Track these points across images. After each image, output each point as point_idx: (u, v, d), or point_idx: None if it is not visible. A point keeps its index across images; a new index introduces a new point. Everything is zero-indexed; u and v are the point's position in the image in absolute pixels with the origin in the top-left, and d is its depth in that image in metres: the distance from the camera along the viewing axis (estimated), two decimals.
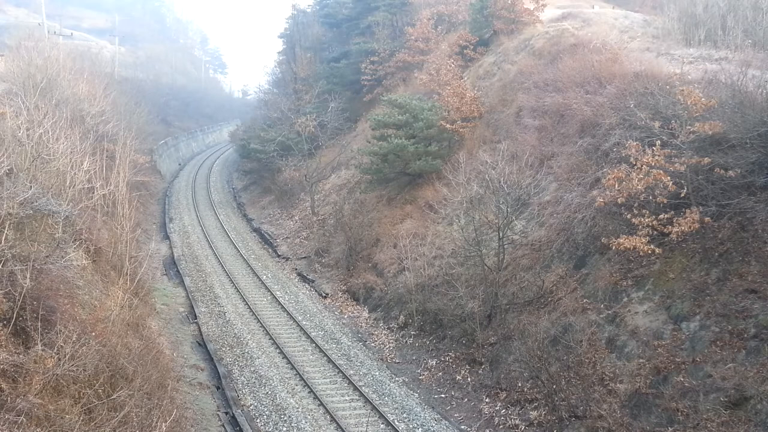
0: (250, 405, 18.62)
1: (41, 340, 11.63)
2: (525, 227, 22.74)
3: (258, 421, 17.74)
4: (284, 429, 17.35)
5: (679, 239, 16.69)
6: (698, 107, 17.27)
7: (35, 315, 12.10)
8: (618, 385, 15.56)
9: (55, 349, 11.59)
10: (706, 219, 16.41)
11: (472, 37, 38.06)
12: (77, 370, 11.70)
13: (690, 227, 16.32)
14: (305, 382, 19.84)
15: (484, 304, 20.98)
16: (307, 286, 30.86)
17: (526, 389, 17.81)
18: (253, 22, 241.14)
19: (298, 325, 24.96)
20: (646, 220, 17.07)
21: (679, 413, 13.86)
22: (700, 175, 17.18)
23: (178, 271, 32.03)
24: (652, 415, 14.43)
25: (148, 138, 54.03)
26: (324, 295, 29.26)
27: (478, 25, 38.60)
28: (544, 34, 34.14)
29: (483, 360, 19.94)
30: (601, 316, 17.50)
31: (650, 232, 17.00)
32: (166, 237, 38.92)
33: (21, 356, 11.23)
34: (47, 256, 14.71)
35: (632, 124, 20.22)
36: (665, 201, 17.03)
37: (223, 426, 17.09)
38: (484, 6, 37.75)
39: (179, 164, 68.85)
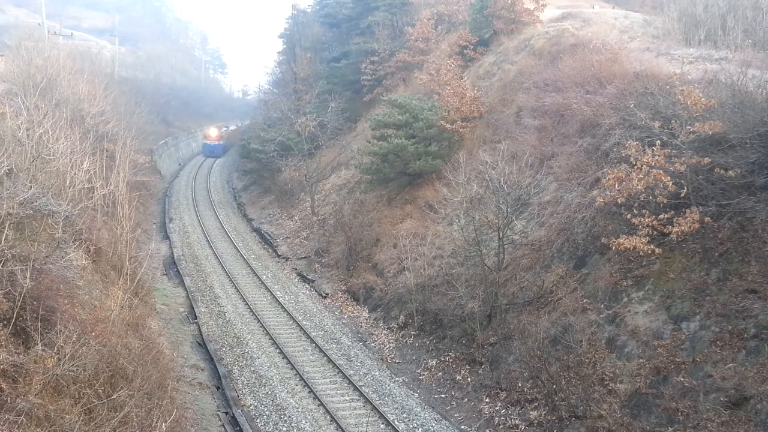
0: (250, 405, 18.62)
1: (41, 340, 11.63)
2: (525, 227, 22.73)
3: (258, 421, 17.75)
4: (284, 429, 17.36)
5: (679, 239, 16.69)
6: (698, 107, 17.26)
7: (35, 315, 12.10)
8: (618, 385, 15.56)
9: (55, 349, 11.59)
10: (706, 219, 16.41)
11: (472, 37, 38.05)
12: (77, 370, 11.70)
13: (690, 227, 16.31)
14: (305, 382, 19.84)
15: (484, 304, 20.97)
16: (307, 286, 30.86)
17: (526, 389, 17.81)
18: (253, 22, 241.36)
19: (298, 325, 24.96)
20: (646, 220, 17.06)
21: (679, 413, 13.86)
22: (700, 175, 17.17)
23: (178, 271, 32.02)
24: (652, 415, 14.43)
25: (148, 138, 53.99)
26: (324, 295, 29.26)
27: (478, 25, 38.60)
28: (544, 34, 34.14)
29: (483, 360, 19.94)
30: (601, 316, 17.50)
31: (650, 232, 17.00)
32: (166, 237, 38.91)
33: (21, 356, 11.22)
34: (47, 256, 14.71)
35: (632, 124, 20.22)
36: (665, 201, 17.02)
37: (223, 426, 17.09)
38: (484, 6, 37.75)
39: (179, 164, 68.81)
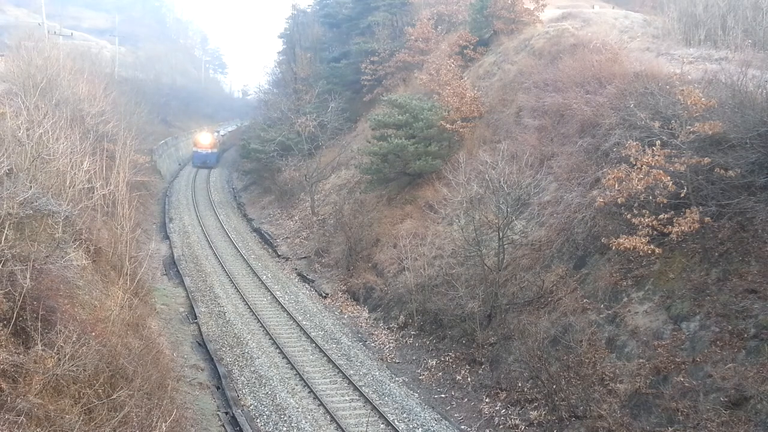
0: (250, 405, 18.62)
1: (41, 340, 11.62)
2: (525, 227, 22.73)
3: (258, 421, 17.74)
4: (284, 429, 17.35)
5: (679, 239, 16.68)
6: (698, 107, 17.26)
7: (35, 315, 12.10)
8: (618, 385, 15.56)
9: (55, 349, 11.58)
10: (706, 219, 16.41)
11: (472, 37, 38.07)
12: (77, 370, 11.70)
13: (690, 227, 16.31)
14: (305, 382, 19.84)
15: (484, 304, 20.97)
16: (307, 286, 30.86)
17: (526, 389, 17.81)
18: (253, 22, 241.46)
19: (298, 325, 24.96)
20: (646, 220, 17.06)
21: (679, 413, 13.86)
22: (700, 175, 17.17)
23: (178, 271, 32.02)
24: (652, 415, 14.43)
25: (148, 138, 54.03)
26: (324, 295, 29.25)
27: (478, 25, 38.62)
28: (544, 34, 34.14)
29: (483, 360, 19.94)
30: (601, 316, 17.50)
31: (650, 232, 17.00)
32: (166, 237, 38.91)
33: (21, 356, 11.22)
34: (47, 256, 14.72)
35: (632, 124, 20.22)
36: (665, 201, 17.03)
37: (223, 426, 17.09)
38: (484, 6, 37.76)
39: (179, 164, 68.78)
